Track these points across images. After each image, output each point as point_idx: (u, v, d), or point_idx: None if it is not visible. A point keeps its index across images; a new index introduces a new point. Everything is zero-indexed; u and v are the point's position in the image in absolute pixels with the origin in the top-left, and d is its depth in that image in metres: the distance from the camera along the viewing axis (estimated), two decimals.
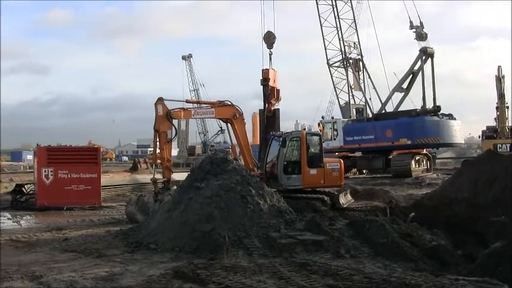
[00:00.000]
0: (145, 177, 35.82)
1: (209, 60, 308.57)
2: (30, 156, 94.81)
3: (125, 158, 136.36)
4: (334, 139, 46.42)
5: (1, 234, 13.42)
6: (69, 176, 25.21)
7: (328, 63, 51.68)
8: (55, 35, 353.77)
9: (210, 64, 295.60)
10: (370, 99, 50.19)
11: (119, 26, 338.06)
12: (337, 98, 53.03)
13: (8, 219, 22.27)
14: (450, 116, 42.57)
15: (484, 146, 54.03)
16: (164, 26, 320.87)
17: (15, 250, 14.80)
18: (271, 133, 23.26)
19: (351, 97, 51.60)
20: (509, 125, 55.20)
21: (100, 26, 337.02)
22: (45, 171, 25.08)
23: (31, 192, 27.66)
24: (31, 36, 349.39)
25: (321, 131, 42.96)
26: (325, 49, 51.48)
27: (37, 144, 27.60)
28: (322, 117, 53.06)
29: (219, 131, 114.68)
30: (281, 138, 21.75)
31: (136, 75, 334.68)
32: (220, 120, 25.06)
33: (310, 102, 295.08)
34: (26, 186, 28.86)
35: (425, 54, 44.20)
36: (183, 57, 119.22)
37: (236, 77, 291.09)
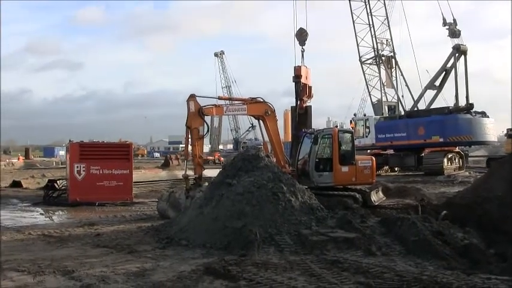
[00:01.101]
0: (176, 174, 36.08)
1: (241, 57, 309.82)
2: (62, 152, 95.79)
3: (157, 155, 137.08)
4: (366, 136, 46.40)
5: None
6: (101, 172, 25.39)
7: (360, 60, 51.53)
8: (87, 32, 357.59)
9: (241, 61, 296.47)
10: (402, 96, 50.01)
11: (151, 24, 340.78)
12: (369, 95, 52.85)
13: (41, 214, 22.54)
14: (483, 114, 42.23)
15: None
16: (196, 24, 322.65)
17: (48, 245, 14.92)
18: (303, 130, 23.20)
19: (383, 94, 51.45)
20: None
21: (132, 23, 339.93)
22: (77, 167, 25.29)
23: (63, 187, 27.91)
24: (63, 33, 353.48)
25: (353, 128, 42.94)
26: (358, 46, 51.40)
27: (69, 140, 27.79)
28: (354, 115, 53.12)
29: (250, 128, 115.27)
30: (313, 136, 21.71)
31: (168, 73, 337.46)
32: (252, 117, 25.08)
33: (341, 100, 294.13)
34: (58, 181, 29.13)
35: (459, 51, 43.85)
36: (215, 54, 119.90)
37: (267, 74, 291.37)
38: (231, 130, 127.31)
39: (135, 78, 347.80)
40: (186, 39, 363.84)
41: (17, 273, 11.21)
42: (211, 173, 24.34)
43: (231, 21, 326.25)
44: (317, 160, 21.48)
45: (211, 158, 62.39)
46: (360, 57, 51.61)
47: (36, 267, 11.73)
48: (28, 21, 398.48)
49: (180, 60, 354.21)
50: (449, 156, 41.83)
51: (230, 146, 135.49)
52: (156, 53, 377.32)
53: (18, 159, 68.68)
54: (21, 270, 11.43)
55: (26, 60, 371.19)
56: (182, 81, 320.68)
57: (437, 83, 45.40)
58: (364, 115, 51.15)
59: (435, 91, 45.75)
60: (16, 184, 34.33)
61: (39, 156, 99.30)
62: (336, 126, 28.88)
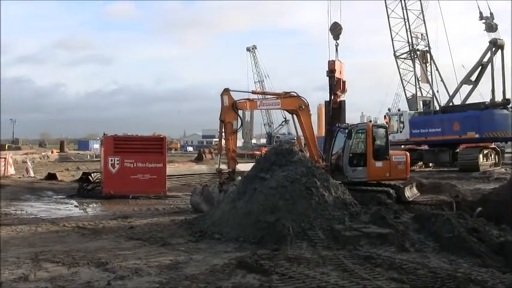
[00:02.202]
0: (210, 168, 36.17)
1: (273, 52, 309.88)
2: (96, 146, 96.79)
3: (190, 148, 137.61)
4: (400, 132, 46.15)
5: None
6: (135, 165, 25.46)
7: (395, 54, 51.27)
8: (119, 27, 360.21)
9: (274, 56, 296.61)
10: (437, 91, 49.67)
11: (183, 19, 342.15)
12: (404, 90, 52.55)
13: (75, 206, 22.73)
14: None
15: None
16: (228, 19, 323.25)
17: (82, 237, 15.06)
18: (337, 125, 23.13)
19: (417, 89, 51.16)
20: None
21: (164, 18, 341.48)
22: (111, 160, 25.41)
23: (97, 180, 28.15)
24: (95, 28, 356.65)
25: (387, 123, 42.70)
26: (392, 40, 51.11)
27: (104, 134, 27.97)
28: (389, 110, 52.80)
29: (283, 122, 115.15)
30: (347, 130, 21.64)
31: (200, 67, 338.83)
32: (286, 112, 25.04)
33: (375, 95, 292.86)
34: (92, 174, 29.40)
35: (495, 45, 43.32)
36: (248, 49, 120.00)
37: (299, 69, 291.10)
38: (264, 124, 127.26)
39: (167, 73, 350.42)
40: (218, 34, 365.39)
41: (51, 264, 11.35)
42: (244, 167, 24.37)
43: (264, 16, 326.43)
44: (351, 155, 21.40)
45: (258, 153, 62.34)
46: (394, 51, 51.36)
47: (71, 258, 11.85)
48: (59, 16, 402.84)
49: (212, 55, 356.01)
50: (484, 152, 41.31)
51: (263, 140, 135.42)
52: (188, 47, 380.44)
53: (52, 152, 69.35)
54: (55, 262, 11.57)
55: (57, 55, 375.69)
56: (214, 76, 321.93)
57: (473, 78, 44.93)
58: (399, 110, 50.82)
59: (471, 86, 45.30)
60: (51, 177, 34.63)
61: (74, 150, 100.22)
62: (370, 121, 28.76)
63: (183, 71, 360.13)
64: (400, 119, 47.16)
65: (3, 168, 36.24)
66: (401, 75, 51.79)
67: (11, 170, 37.28)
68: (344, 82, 25.29)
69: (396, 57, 51.29)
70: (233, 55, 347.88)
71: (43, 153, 66.14)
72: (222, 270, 10.67)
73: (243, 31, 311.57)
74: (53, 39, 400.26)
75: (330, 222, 13.98)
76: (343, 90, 25.30)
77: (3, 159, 37.25)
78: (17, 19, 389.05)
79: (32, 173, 37.35)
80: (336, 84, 24.69)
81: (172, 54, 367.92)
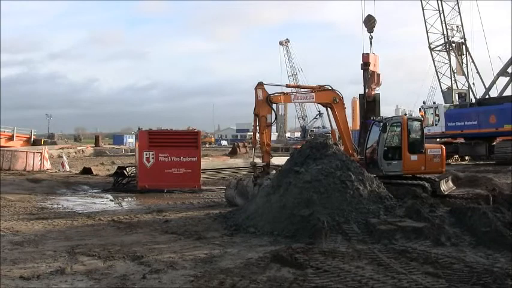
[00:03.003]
0: (244, 162, 36.23)
1: (306, 45, 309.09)
2: (131, 140, 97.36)
3: (224, 142, 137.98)
4: (436, 125, 45.76)
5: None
6: (169, 159, 25.60)
7: (430, 47, 50.88)
8: (151, 22, 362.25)
9: (306, 49, 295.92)
10: (473, 83, 49.20)
11: (215, 13, 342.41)
12: (439, 82, 52.18)
13: (110, 200, 22.99)
14: None
15: None
16: (261, 13, 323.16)
17: (117, 230, 15.21)
18: (372, 118, 23.01)
19: (453, 82, 50.67)
20: None
21: (196, 13, 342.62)
22: (146, 154, 25.56)
23: (132, 174, 28.41)
24: (127, 23, 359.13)
25: (422, 116, 42.35)
26: (427, 33, 50.72)
27: (138, 128, 28.15)
28: (424, 103, 52.41)
29: (317, 115, 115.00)
30: (381, 124, 21.49)
31: (233, 61, 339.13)
32: (320, 105, 24.98)
33: (410, 88, 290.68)
34: (127, 168, 29.68)
35: None
36: (280, 43, 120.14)
37: (332, 62, 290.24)
38: (298, 118, 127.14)
39: (200, 67, 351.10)
40: (251, 28, 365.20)
41: (88, 258, 11.49)
42: (278, 160, 24.35)
43: (296, 9, 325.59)
44: (385, 148, 21.26)
45: (299, 146, 62.39)
46: (429, 44, 50.98)
47: (106, 252, 11.99)
48: (92, 12, 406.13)
49: (244, 49, 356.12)
50: None
51: (297, 134, 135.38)
52: (221, 42, 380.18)
53: (87, 147, 69.98)
54: (91, 255, 11.71)
55: (91, 51, 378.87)
56: (247, 70, 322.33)
57: (510, 70, 44.44)
58: (434, 103, 50.38)
59: (508, 78, 44.77)
60: (86, 171, 35.03)
61: (109, 144, 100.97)
62: (405, 114, 28.58)
63: (215, 65, 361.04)
64: (435, 112, 46.75)
65: (39, 163, 36.76)
66: (437, 68, 51.44)
67: (47, 165, 37.84)
68: (378, 75, 25.13)
69: (431, 49, 50.90)
70: (266, 49, 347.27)
71: (78, 148, 66.75)
72: (257, 263, 10.70)
73: (276, 25, 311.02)
74: (86, 35, 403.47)
75: (364, 216, 13.95)
76: (378, 83, 25.15)
77: (40, 154, 37.77)
78: (49, 16, 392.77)
79: (67, 168, 37.84)
80: (370, 77, 24.54)
81: (204, 48, 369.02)
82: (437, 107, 47.20)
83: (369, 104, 24.73)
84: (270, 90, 21.58)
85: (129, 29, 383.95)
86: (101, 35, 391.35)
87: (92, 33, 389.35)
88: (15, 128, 68.93)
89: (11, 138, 67.62)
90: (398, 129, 21.48)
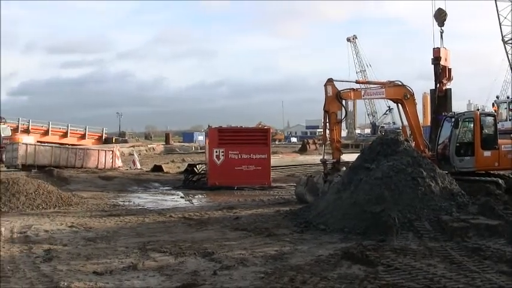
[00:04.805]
0: (314, 158, 36.15)
1: (374, 40, 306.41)
2: (201, 137, 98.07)
3: (294, 139, 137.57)
4: (510, 120, 44.71)
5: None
6: (239, 157, 25.79)
7: (503, 40, 49.79)
8: (217, 19, 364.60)
9: (375, 44, 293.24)
10: None
11: (281, 10, 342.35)
12: None
13: (181, 197, 23.29)
14: None
15: None
16: (327, 8, 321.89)
17: (188, 227, 15.42)
18: (443, 114, 22.69)
19: None
20: None
21: (262, 9, 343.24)
22: (216, 151, 25.80)
23: (202, 172, 28.65)
24: (193, 22, 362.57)
25: (495, 111, 41.44)
26: (500, 25, 49.59)
27: (208, 126, 28.40)
28: (497, 97, 51.32)
29: (387, 111, 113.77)
30: (453, 119, 21.16)
31: (300, 57, 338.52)
32: (390, 101, 24.75)
33: (482, 82, 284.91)
34: (197, 166, 29.95)
35: None
36: (348, 39, 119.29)
37: (402, 57, 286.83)
38: (368, 114, 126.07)
39: (267, 64, 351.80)
40: (318, 24, 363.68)
41: (159, 254, 11.71)
42: (348, 157, 24.23)
43: (364, 4, 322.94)
44: (458, 144, 20.93)
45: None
46: (502, 36, 49.87)
47: (178, 248, 12.18)
48: (158, 11, 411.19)
49: (311, 46, 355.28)
50: None
51: (367, 131, 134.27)
52: (287, 38, 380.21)
53: (157, 145, 70.88)
54: (163, 251, 11.92)
55: (158, 49, 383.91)
56: (315, 67, 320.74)
57: None
58: (508, 97, 49.31)
59: None
60: (157, 168, 35.49)
61: (179, 141, 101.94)
62: (478, 110, 28.07)
63: (282, 62, 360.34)
64: (509, 106, 45.71)
65: (111, 161, 37.48)
66: (510, 61, 50.27)
67: (119, 162, 38.56)
68: (450, 70, 24.74)
69: (504, 42, 49.81)
70: (333, 45, 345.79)
71: (149, 146, 67.66)
72: (327, 261, 10.70)
73: (343, 20, 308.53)
74: (152, 35, 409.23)
75: (436, 213, 13.78)
76: (449, 78, 24.76)
77: (111, 152, 38.51)
78: (117, 16, 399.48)
79: (138, 165, 38.47)
80: (441, 72, 24.16)
81: (271, 45, 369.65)
82: (511, 102, 46.19)
83: (440, 99, 24.38)
84: (340, 86, 21.51)
85: (196, 28, 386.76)
86: (168, 35, 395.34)
87: (159, 32, 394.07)
88: (87, 126, 70.49)
89: (83, 136, 69.24)
90: (471, 124, 21.13)
